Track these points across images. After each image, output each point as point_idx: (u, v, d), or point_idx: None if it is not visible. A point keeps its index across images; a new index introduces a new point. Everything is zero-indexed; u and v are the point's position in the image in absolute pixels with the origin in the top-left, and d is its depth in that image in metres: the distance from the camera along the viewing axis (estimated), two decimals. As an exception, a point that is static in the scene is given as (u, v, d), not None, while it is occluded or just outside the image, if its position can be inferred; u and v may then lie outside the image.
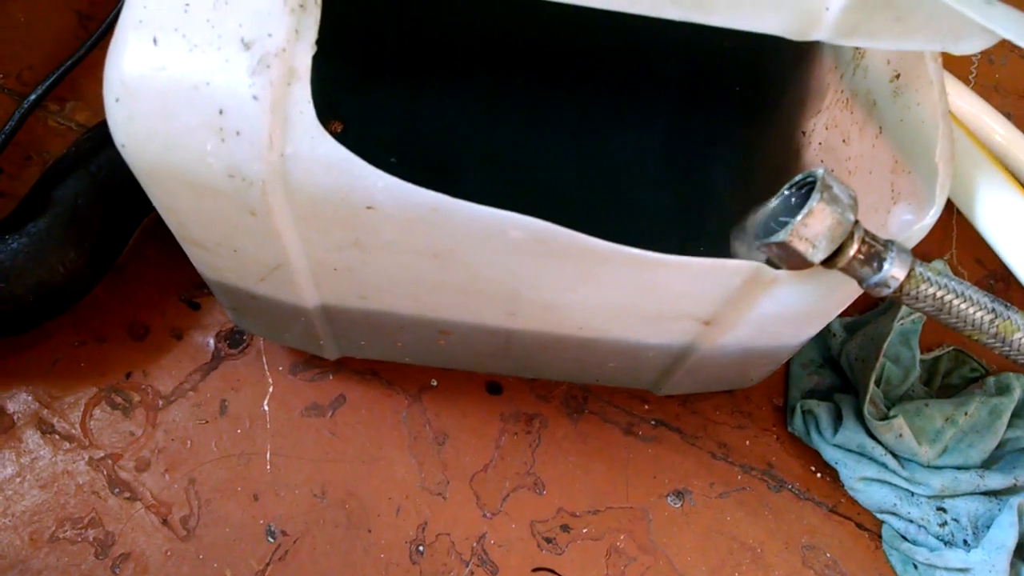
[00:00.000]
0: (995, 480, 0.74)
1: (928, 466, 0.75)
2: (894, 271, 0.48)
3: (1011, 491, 0.75)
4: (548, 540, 0.73)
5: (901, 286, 0.48)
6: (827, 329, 0.82)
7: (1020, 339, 0.50)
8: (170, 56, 0.42)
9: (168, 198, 0.49)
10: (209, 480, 0.72)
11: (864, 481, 0.76)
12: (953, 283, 0.49)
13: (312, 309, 0.61)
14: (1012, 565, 0.71)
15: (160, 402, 0.74)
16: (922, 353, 0.82)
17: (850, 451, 0.76)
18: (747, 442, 0.79)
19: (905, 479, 0.75)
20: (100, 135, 0.71)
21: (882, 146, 0.59)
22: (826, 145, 0.67)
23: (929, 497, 0.75)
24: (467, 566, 0.71)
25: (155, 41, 0.42)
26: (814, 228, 0.46)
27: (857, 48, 0.62)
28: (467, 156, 0.77)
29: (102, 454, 0.72)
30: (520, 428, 0.77)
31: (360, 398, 0.76)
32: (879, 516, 0.77)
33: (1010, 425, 0.77)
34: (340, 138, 0.43)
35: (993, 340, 0.50)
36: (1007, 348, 0.50)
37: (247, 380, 0.76)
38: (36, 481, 0.70)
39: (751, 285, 0.52)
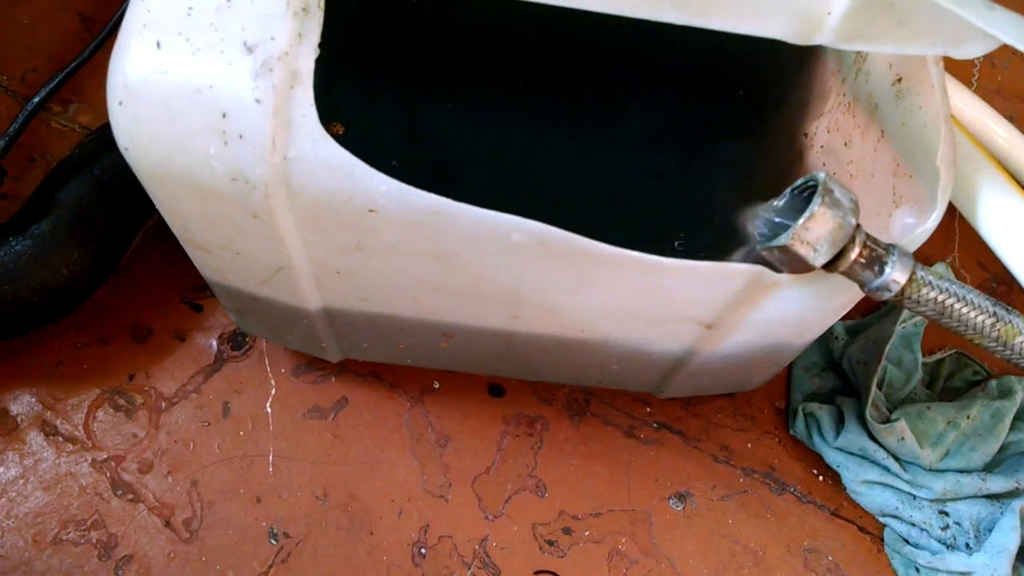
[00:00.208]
0: (997, 483, 0.74)
1: (930, 469, 0.75)
2: (895, 275, 0.48)
3: (1013, 494, 0.75)
4: (550, 543, 0.73)
5: (902, 290, 0.48)
6: (829, 332, 0.82)
7: (1021, 343, 0.50)
8: (173, 60, 0.42)
9: (171, 201, 0.49)
10: (212, 482, 0.72)
11: (866, 484, 0.76)
12: (954, 287, 0.49)
13: (314, 311, 0.61)
14: (1014, 568, 0.71)
15: (163, 404, 0.74)
16: (924, 356, 0.82)
17: (852, 454, 0.76)
18: (749, 445, 0.79)
19: (907, 482, 0.75)
20: (103, 137, 0.71)
21: (884, 150, 0.59)
22: (828, 148, 0.67)
23: (931, 500, 0.75)
24: (469, 568, 0.71)
25: (158, 45, 0.42)
26: (815, 232, 0.46)
27: (859, 52, 0.62)
28: (469, 158, 0.77)
29: (105, 456, 0.72)
30: (522, 430, 0.77)
31: (362, 400, 0.76)
32: (881, 519, 0.77)
33: (1012, 428, 0.77)
34: (342, 140, 0.43)
35: (995, 344, 0.50)
36: (1008, 352, 0.50)
37: (249, 382, 0.76)
38: (39, 483, 0.70)
39: (753, 288, 0.53)
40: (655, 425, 0.79)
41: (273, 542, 0.70)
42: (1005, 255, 0.64)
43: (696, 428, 0.79)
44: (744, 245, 0.53)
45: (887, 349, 0.76)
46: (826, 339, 0.83)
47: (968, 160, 0.70)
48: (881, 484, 0.75)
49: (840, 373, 0.82)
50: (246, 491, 0.72)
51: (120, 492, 0.71)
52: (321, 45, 0.43)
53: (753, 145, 0.77)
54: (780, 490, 0.78)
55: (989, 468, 0.76)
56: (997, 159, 0.84)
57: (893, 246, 0.49)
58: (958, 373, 0.84)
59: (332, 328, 0.65)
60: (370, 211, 0.46)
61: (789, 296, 0.54)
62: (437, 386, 0.78)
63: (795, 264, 0.47)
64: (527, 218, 0.47)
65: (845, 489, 0.77)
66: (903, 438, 0.74)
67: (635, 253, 0.49)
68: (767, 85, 0.75)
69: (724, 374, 0.70)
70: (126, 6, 0.44)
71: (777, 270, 0.50)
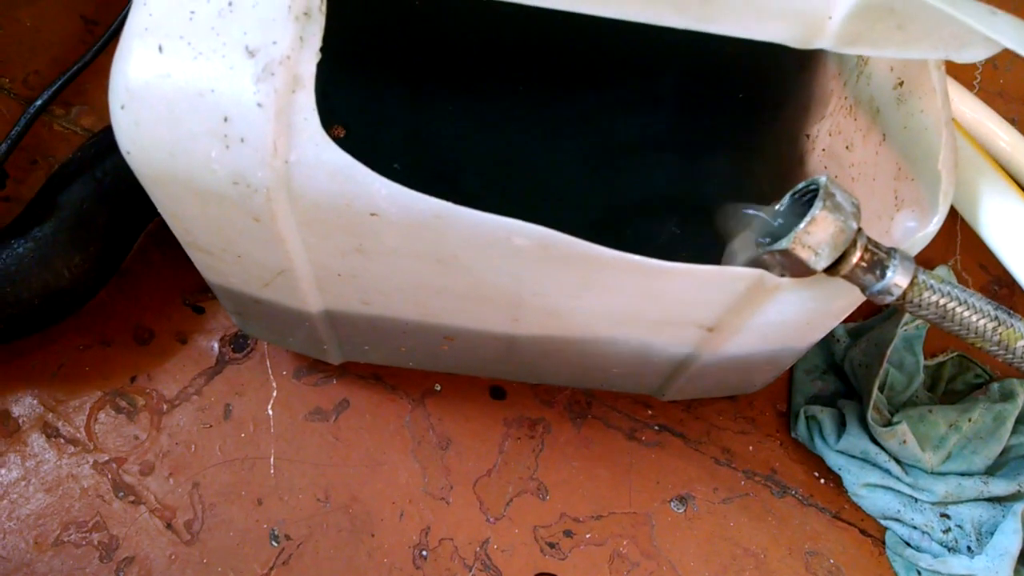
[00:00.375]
0: (999, 486, 0.74)
1: (932, 472, 0.75)
2: (897, 279, 0.48)
3: (1015, 497, 0.74)
4: (551, 545, 0.73)
5: (904, 294, 0.48)
6: (831, 335, 0.82)
7: (1023, 347, 0.50)
8: (175, 63, 0.42)
9: (173, 204, 0.49)
10: (213, 484, 0.72)
11: (868, 487, 0.76)
12: (956, 290, 0.49)
13: (316, 314, 0.61)
14: (1016, 572, 0.71)
15: (164, 406, 0.74)
16: (926, 359, 0.82)
17: (854, 457, 0.76)
18: (750, 448, 0.79)
19: (909, 485, 0.75)
20: (105, 140, 0.71)
21: (885, 153, 0.59)
22: (830, 151, 0.67)
23: (933, 503, 0.75)
24: (470, 571, 0.71)
25: (160, 49, 0.42)
26: (817, 236, 0.46)
27: (860, 55, 0.62)
28: (470, 161, 0.77)
29: (107, 458, 0.72)
30: (523, 433, 0.77)
31: (364, 403, 0.76)
32: (883, 522, 0.77)
33: (1014, 431, 0.77)
34: (343, 143, 0.43)
35: (996, 348, 0.50)
36: (1010, 356, 0.50)
37: (251, 384, 0.76)
38: (41, 484, 0.70)
39: (754, 292, 0.53)
40: (656, 428, 0.79)
41: (274, 544, 0.70)
42: (1006, 258, 0.65)
43: (697, 431, 0.79)
44: (739, 248, 0.53)
45: (889, 352, 0.76)
46: (828, 342, 0.83)
47: (970, 163, 0.70)
48: (883, 487, 0.75)
49: (842, 376, 0.82)
50: (247, 493, 0.72)
51: (121, 494, 0.71)
52: (323, 49, 0.43)
53: (755, 148, 0.77)
54: (781, 493, 0.78)
55: (991, 471, 0.76)
56: (999, 162, 0.85)
57: (894, 250, 0.49)
58: (960, 376, 0.84)
59: (333, 331, 0.66)
60: (371, 215, 0.46)
61: (790, 300, 0.54)
62: (438, 388, 0.78)
63: (796, 268, 0.47)
64: (528, 222, 0.47)
65: (846, 492, 0.77)
66: (905, 441, 0.74)
67: (636, 257, 0.49)
68: (768, 87, 0.75)
69: (726, 377, 0.70)
70: (128, 9, 0.44)
71: (779, 274, 0.50)
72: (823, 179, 0.47)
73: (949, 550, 0.74)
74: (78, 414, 0.73)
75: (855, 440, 0.75)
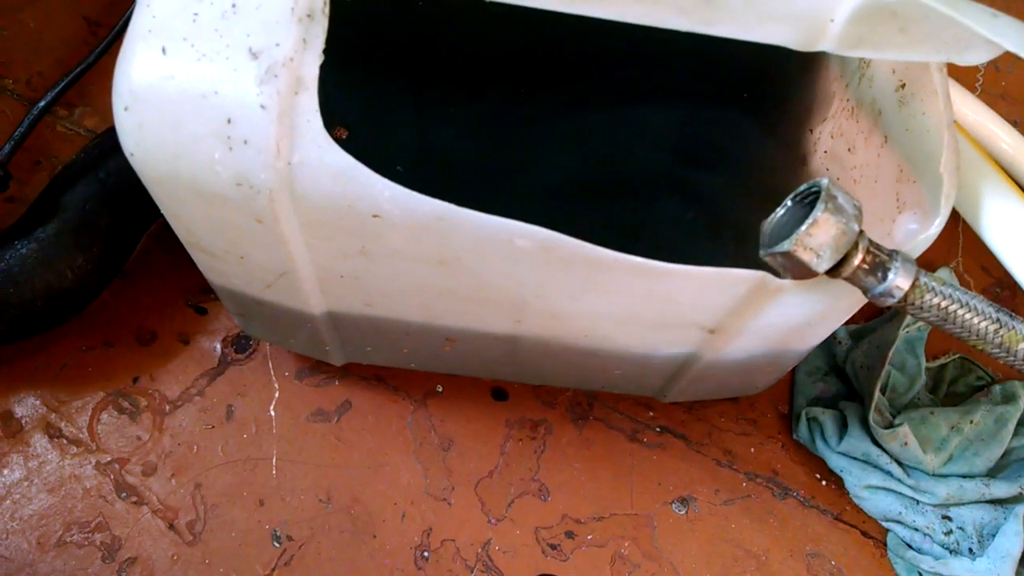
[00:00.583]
0: (1001, 489, 0.74)
1: (933, 474, 0.75)
2: (898, 281, 0.48)
3: (1017, 500, 0.74)
4: (553, 546, 0.73)
5: (905, 296, 0.48)
6: (833, 336, 0.82)
7: (1025, 349, 0.50)
8: (179, 65, 0.42)
9: (176, 205, 0.49)
10: (215, 485, 0.72)
11: (869, 489, 0.76)
12: (958, 293, 0.49)
13: (318, 316, 0.61)
14: (1017, 574, 0.71)
15: (167, 407, 0.74)
16: (928, 361, 0.82)
17: (855, 459, 0.76)
18: (752, 449, 0.79)
19: (910, 487, 0.75)
20: (109, 141, 0.71)
21: (887, 155, 0.59)
22: (832, 153, 0.67)
23: (934, 505, 0.75)
24: (472, 572, 0.71)
25: (164, 50, 0.42)
26: (819, 238, 0.46)
27: (862, 58, 0.62)
28: (473, 162, 0.77)
29: (109, 458, 0.72)
30: (525, 434, 0.77)
31: (366, 404, 0.76)
32: (884, 524, 0.77)
33: (1016, 434, 0.77)
34: (345, 144, 0.43)
35: (998, 350, 0.50)
36: (1011, 358, 0.50)
37: (253, 385, 0.76)
38: (44, 485, 0.70)
39: (756, 294, 0.53)
40: (658, 429, 0.79)
41: (276, 545, 0.71)
42: (1008, 261, 0.65)
43: (699, 432, 0.79)
44: (747, 250, 0.53)
45: (891, 354, 0.76)
46: (829, 344, 0.83)
47: (971, 166, 0.70)
48: (884, 489, 0.75)
49: (844, 378, 0.82)
50: (250, 494, 0.72)
51: (124, 494, 0.71)
52: (326, 51, 0.43)
53: (757, 149, 0.77)
54: (783, 495, 0.78)
55: (992, 473, 0.76)
56: (1001, 164, 0.85)
57: (896, 252, 0.49)
58: (962, 378, 0.84)
59: (336, 332, 0.66)
60: (374, 216, 0.46)
61: (792, 302, 0.54)
62: (440, 390, 0.78)
63: (798, 270, 0.48)
64: (531, 223, 0.47)
65: (848, 494, 0.77)
66: (906, 443, 0.74)
67: (638, 258, 0.49)
68: (771, 89, 0.75)
69: (727, 379, 0.70)
70: (132, 11, 0.44)
71: (780, 276, 0.50)
72: (825, 181, 0.47)
73: (951, 552, 0.74)
74: (81, 415, 0.73)
75: (857, 442, 0.75)
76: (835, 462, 0.77)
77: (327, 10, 0.43)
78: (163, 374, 0.75)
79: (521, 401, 0.78)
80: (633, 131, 0.79)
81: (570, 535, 0.74)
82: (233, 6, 0.42)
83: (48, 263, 0.67)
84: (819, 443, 0.78)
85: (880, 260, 0.48)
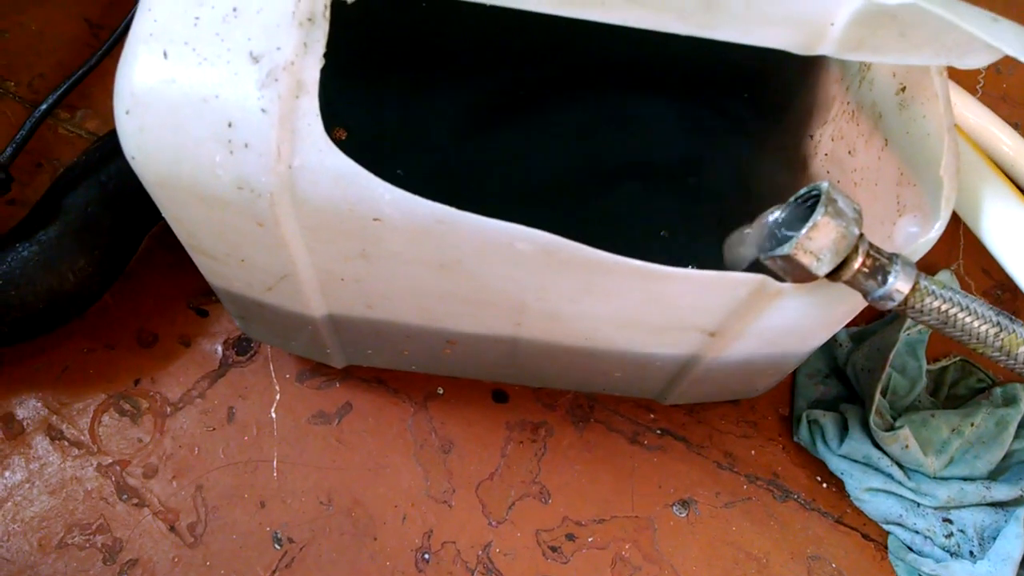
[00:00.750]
0: (1001, 491, 0.74)
1: (934, 477, 0.75)
2: (898, 284, 0.48)
3: (1018, 502, 0.74)
4: (553, 549, 0.73)
5: (906, 299, 0.48)
6: (833, 339, 0.82)
7: (1025, 352, 0.50)
8: (180, 69, 0.42)
9: (177, 209, 0.49)
10: (216, 487, 0.72)
11: (870, 492, 0.76)
12: (958, 296, 0.49)
13: (319, 318, 0.61)
14: (1018, 577, 0.71)
15: (168, 409, 0.74)
16: (929, 363, 0.82)
17: (856, 461, 0.76)
18: (753, 452, 0.79)
19: (911, 490, 0.75)
20: (110, 144, 0.72)
21: (888, 158, 0.59)
22: (832, 156, 0.67)
23: (935, 508, 0.75)
24: (472, 574, 0.71)
25: (165, 54, 0.42)
26: (819, 241, 0.46)
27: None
28: (472, 165, 0.77)
29: (110, 460, 0.72)
30: (526, 436, 0.77)
31: (366, 406, 0.77)
32: (885, 527, 0.77)
33: (1017, 436, 0.77)
34: (345, 147, 0.43)
35: (998, 353, 0.50)
36: (1012, 361, 0.50)
37: (254, 387, 0.76)
38: (45, 487, 0.70)
39: (756, 297, 0.53)
40: (659, 432, 0.79)
41: (277, 547, 0.71)
42: (1008, 264, 0.64)
43: (700, 435, 0.79)
44: (737, 251, 0.54)
45: (891, 356, 0.76)
46: (830, 346, 0.83)
47: (972, 169, 0.70)
48: (885, 492, 0.75)
49: (844, 380, 0.82)
50: (250, 496, 0.72)
51: (125, 496, 0.71)
52: (326, 55, 0.43)
53: (758, 152, 0.77)
54: (784, 497, 0.78)
55: (993, 476, 0.76)
56: (1002, 166, 0.85)
57: (896, 256, 0.49)
58: (962, 380, 0.84)
59: (337, 334, 0.66)
60: (375, 219, 0.46)
61: (792, 305, 0.54)
62: (441, 392, 0.78)
63: (798, 273, 0.48)
64: (531, 227, 0.47)
65: (849, 496, 0.77)
66: (907, 446, 0.74)
67: (638, 262, 0.49)
68: (772, 91, 0.75)
69: (728, 381, 0.70)
70: (133, 15, 0.44)
71: (780, 279, 0.50)
72: (825, 185, 0.47)
73: (951, 555, 0.74)
74: (82, 417, 0.73)
75: (857, 444, 0.75)
76: (836, 465, 0.77)
77: (328, 14, 0.43)
78: (164, 376, 0.76)
79: (522, 403, 0.78)
80: (635, 134, 0.79)
81: (571, 537, 0.74)
82: (234, 10, 0.42)
83: (49, 265, 0.67)
84: (820, 446, 0.78)
85: (880, 263, 0.48)
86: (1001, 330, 0.50)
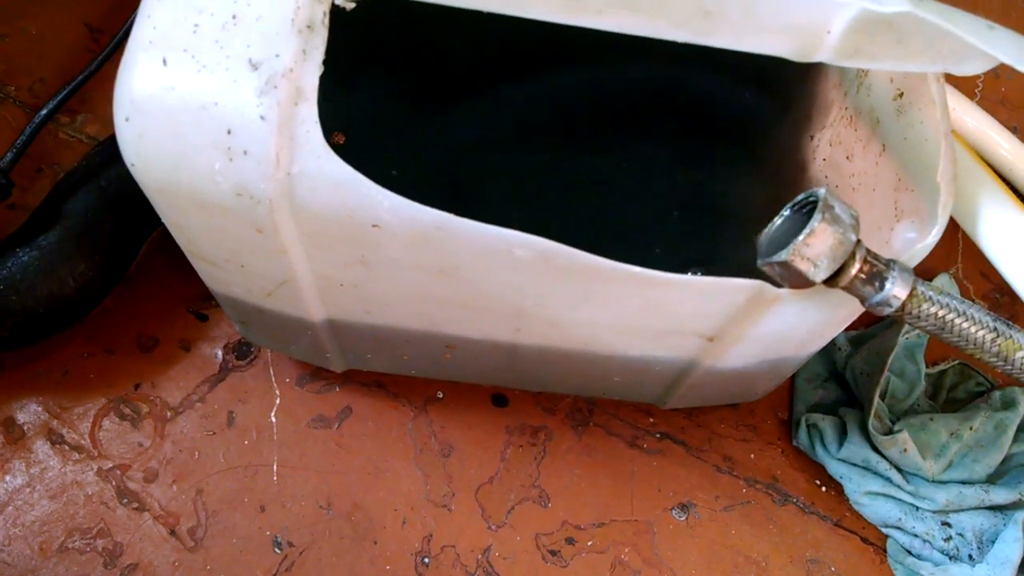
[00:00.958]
0: (1000, 495, 0.74)
1: (933, 481, 0.75)
2: (896, 290, 0.48)
3: (1016, 506, 0.75)
4: (553, 553, 0.73)
5: (903, 305, 0.49)
6: (832, 343, 0.82)
7: (1022, 358, 0.50)
8: (179, 76, 0.42)
9: (177, 215, 0.50)
10: (216, 491, 0.72)
11: (869, 495, 0.76)
12: (955, 302, 0.50)
13: (319, 323, 0.62)
14: (1017, 581, 0.71)
15: (168, 413, 0.74)
16: (928, 367, 0.82)
17: (855, 465, 0.76)
18: (752, 455, 0.79)
19: (910, 493, 0.75)
20: (110, 149, 0.72)
21: (885, 164, 0.59)
22: (831, 161, 0.67)
23: (934, 512, 0.75)
24: (472, 578, 0.72)
25: (165, 62, 0.42)
26: (816, 248, 0.46)
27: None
28: (471, 170, 0.77)
29: (111, 465, 0.72)
30: (525, 440, 0.77)
31: (366, 410, 0.77)
32: (884, 530, 0.77)
33: (1016, 440, 0.77)
34: (343, 152, 0.44)
35: (995, 359, 0.50)
36: (1009, 367, 0.50)
37: (254, 392, 0.76)
38: (45, 491, 0.71)
39: (754, 303, 0.53)
40: (658, 435, 0.79)
41: (277, 551, 0.71)
42: (1005, 270, 0.65)
43: (699, 438, 0.79)
44: (745, 260, 0.54)
45: (890, 360, 0.76)
46: (829, 350, 0.83)
47: (969, 175, 0.70)
48: (884, 495, 0.75)
49: (843, 384, 0.82)
50: (250, 500, 0.72)
51: (125, 501, 0.71)
52: (326, 62, 0.43)
53: (757, 157, 0.77)
54: (783, 501, 0.78)
55: (992, 479, 0.76)
56: (1000, 170, 0.85)
57: (893, 261, 0.49)
58: (961, 384, 0.84)
59: (336, 339, 0.66)
60: (373, 226, 0.47)
61: (790, 311, 0.54)
62: (441, 396, 0.78)
63: (796, 279, 0.48)
64: (530, 233, 0.47)
65: (848, 500, 0.77)
66: (906, 449, 0.74)
67: (636, 268, 0.49)
68: (770, 97, 0.75)
69: (727, 385, 0.70)
70: (133, 21, 0.44)
71: (778, 285, 0.50)
72: (822, 191, 0.47)
73: (950, 558, 0.74)
74: (82, 421, 0.73)
75: (856, 448, 0.75)
76: (835, 468, 0.77)
77: (327, 21, 0.43)
78: (164, 381, 0.76)
79: (521, 407, 0.79)
80: (630, 138, 0.79)
81: (570, 541, 0.74)
82: (233, 17, 0.43)
83: (50, 270, 0.67)
84: (819, 449, 0.78)
85: (877, 269, 0.48)
86: (998, 335, 0.50)
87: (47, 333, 0.71)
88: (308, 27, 0.43)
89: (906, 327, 0.79)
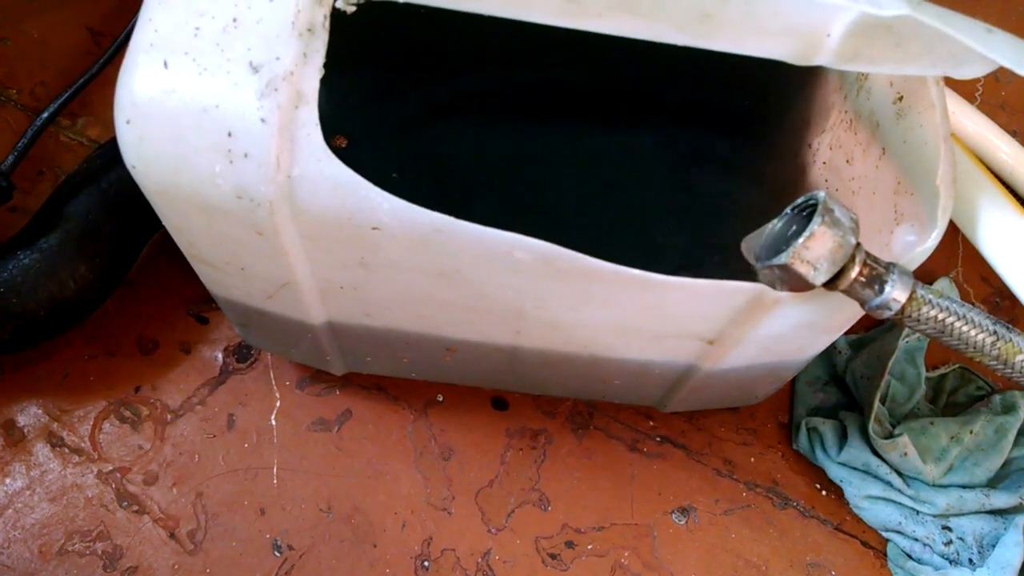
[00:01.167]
0: (1001, 499, 0.74)
1: (933, 485, 0.75)
2: (895, 294, 0.48)
3: (1017, 510, 0.74)
4: (553, 556, 0.73)
5: (903, 308, 0.49)
6: (832, 346, 0.82)
7: (1022, 361, 0.50)
8: (180, 79, 0.42)
9: (177, 217, 0.50)
10: (216, 494, 0.72)
11: (869, 499, 0.76)
12: (955, 305, 0.50)
13: (319, 326, 0.62)
14: (1017, 585, 0.71)
15: (168, 416, 0.74)
16: (928, 371, 0.82)
17: (855, 469, 0.76)
18: (752, 459, 0.79)
19: (910, 497, 0.75)
20: (111, 151, 0.72)
21: (885, 167, 0.59)
22: (830, 164, 0.67)
23: (934, 516, 0.75)
24: (472, 581, 0.72)
25: (166, 64, 0.42)
26: (815, 251, 0.46)
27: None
28: (471, 172, 0.77)
29: (111, 467, 0.72)
30: (525, 444, 0.77)
31: (366, 413, 0.77)
32: (884, 534, 0.77)
33: (1016, 444, 0.77)
34: (345, 155, 0.44)
35: (995, 362, 0.50)
36: (1009, 370, 0.50)
37: (255, 394, 0.76)
38: (45, 494, 0.71)
39: (754, 306, 0.53)
40: (658, 439, 0.79)
41: (277, 554, 0.71)
42: (1005, 273, 0.65)
43: (699, 442, 0.79)
44: (745, 263, 0.54)
45: (890, 364, 0.76)
46: (829, 353, 0.83)
47: (968, 178, 0.70)
48: (884, 499, 0.75)
49: (843, 388, 0.82)
50: (250, 503, 0.72)
51: (125, 503, 0.71)
52: (326, 65, 0.43)
53: (757, 161, 0.77)
54: (783, 505, 0.78)
55: (992, 483, 0.76)
56: (1000, 174, 0.85)
57: (893, 265, 0.49)
58: (961, 388, 0.84)
59: (336, 342, 0.66)
60: (373, 228, 0.47)
61: (790, 314, 0.54)
62: (441, 399, 0.78)
63: (795, 283, 0.48)
64: (530, 236, 0.47)
65: (848, 504, 0.77)
66: (906, 453, 0.74)
67: (637, 271, 0.49)
68: (770, 99, 0.75)
69: (727, 389, 0.70)
70: (134, 24, 0.44)
71: (778, 288, 0.50)
72: (822, 194, 0.47)
73: (951, 562, 0.74)
74: (83, 424, 0.73)
75: (856, 452, 0.75)
76: (835, 472, 0.77)
77: (327, 24, 0.43)
78: (165, 383, 0.76)
79: (521, 411, 0.79)
80: (631, 141, 0.79)
81: (570, 545, 0.74)
82: (234, 20, 0.43)
83: (51, 273, 0.67)
84: (819, 453, 0.78)
85: (877, 272, 0.48)
86: (998, 339, 0.50)
87: (48, 335, 0.71)
88: (309, 30, 0.43)
89: (906, 331, 0.79)
